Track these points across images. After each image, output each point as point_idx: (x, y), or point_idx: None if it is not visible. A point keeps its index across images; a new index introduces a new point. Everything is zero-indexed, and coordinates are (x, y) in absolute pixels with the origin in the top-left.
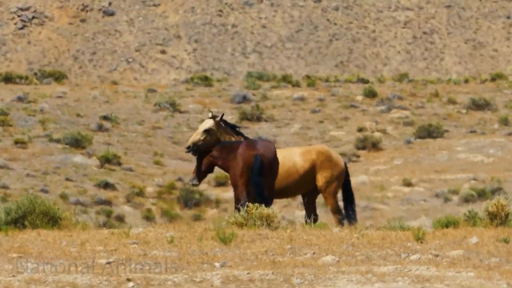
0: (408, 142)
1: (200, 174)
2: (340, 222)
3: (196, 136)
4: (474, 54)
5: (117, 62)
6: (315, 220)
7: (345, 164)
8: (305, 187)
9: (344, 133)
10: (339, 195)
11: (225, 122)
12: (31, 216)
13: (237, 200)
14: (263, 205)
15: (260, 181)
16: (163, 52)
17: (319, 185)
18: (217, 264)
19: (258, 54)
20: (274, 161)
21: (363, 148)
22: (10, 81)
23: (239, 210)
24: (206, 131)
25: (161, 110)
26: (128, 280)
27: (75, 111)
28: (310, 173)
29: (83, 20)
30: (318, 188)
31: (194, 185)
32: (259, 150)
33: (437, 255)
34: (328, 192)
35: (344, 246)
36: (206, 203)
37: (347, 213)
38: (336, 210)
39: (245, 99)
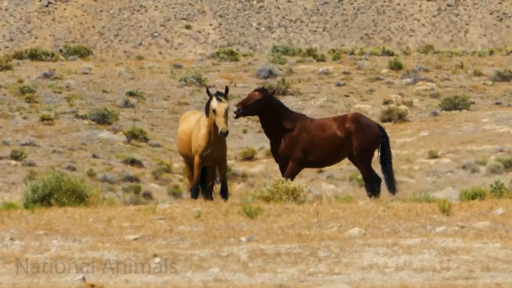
0: (434, 114)
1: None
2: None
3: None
4: (499, 25)
5: (142, 37)
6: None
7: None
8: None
9: (369, 106)
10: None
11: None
12: (58, 194)
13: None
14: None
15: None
16: (188, 27)
17: None
18: (243, 239)
19: (284, 28)
20: None
21: (389, 120)
22: (35, 58)
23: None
24: None
25: (187, 85)
26: (155, 255)
27: (101, 87)
28: None
29: None
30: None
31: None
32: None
33: (463, 227)
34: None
35: (370, 218)
36: (232, 178)
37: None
38: None
39: (271, 73)
